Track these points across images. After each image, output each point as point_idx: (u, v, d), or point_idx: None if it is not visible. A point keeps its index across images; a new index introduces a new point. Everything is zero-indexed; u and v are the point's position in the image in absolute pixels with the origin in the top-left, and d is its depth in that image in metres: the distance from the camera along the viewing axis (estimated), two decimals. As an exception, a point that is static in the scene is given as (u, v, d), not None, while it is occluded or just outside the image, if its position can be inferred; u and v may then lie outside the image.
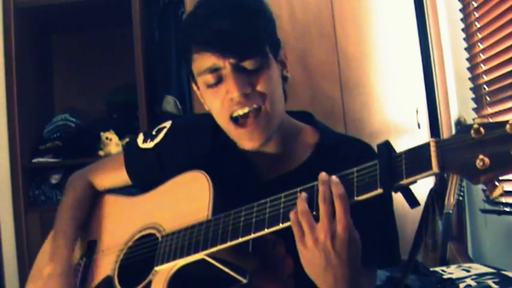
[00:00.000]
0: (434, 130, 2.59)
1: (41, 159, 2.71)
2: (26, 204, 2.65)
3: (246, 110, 0.96)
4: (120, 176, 1.20)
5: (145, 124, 2.59)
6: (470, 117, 2.49)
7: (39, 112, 2.87)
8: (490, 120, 2.33)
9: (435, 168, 0.72)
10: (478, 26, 2.41)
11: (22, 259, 2.57)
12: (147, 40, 2.68)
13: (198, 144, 1.09)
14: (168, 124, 1.18)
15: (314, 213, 0.82)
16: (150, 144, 1.15)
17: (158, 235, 1.01)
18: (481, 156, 0.69)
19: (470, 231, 2.56)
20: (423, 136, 2.52)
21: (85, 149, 2.66)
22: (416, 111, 2.53)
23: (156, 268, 0.97)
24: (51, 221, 1.27)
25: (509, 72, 2.17)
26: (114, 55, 2.93)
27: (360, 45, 2.55)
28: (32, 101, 2.79)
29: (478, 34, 2.42)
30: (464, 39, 2.53)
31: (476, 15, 2.41)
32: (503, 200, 2.22)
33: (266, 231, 0.86)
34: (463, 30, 2.53)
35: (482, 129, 0.70)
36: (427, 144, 0.75)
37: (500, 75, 2.24)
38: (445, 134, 2.59)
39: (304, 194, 0.84)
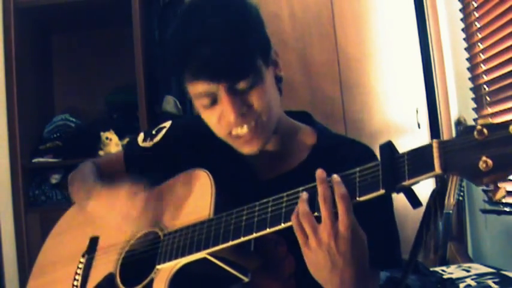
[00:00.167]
0: (434, 130, 2.59)
1: (41, 159, 2.71)
2: (26, 204, 2.65)
3: (245, 129, 0.96)
4: (119, 170, 1.21)
5: (145, 124, 2.59)
6: (470, 117, 2.49)
7: (39, 112, 2.86)
8: (491, 120, 2.33)
9: (438, 169, 0.72)
10: (478, 26, 2.41)
11: (22, 259, 2.57)
12: (147, 40, 2.68)
13: (197, 144, 1.09)
14: (167, 124, 1.19)
15: (316, 214, 0.82)
16: (149, 144, 1.16)
17: (160, 233, 1.01)
18: (484, 158, 0.68)
19: (470, 231, 2.56)
20: (423, 136, 2.53)
21: (85, 149, 2.66)
22: (416, 111, 2.53)
23: (158, 266, 0.97)
24: (51, 221, 1.27)
25: (509, 72, 2.17)
26: (114, 55, 2.92)
27: (360, 45, 2.55)
28: (32, 101, 2.79)
29: (478, 34, 2.42)
30: (464, 39, 2.53)
31: (476, 15, 2.41)
32: (503, 200, 2.22)
33: (268, 230, 0.85)
34: (463, 30, 2.53)
35: (485, 131, 0.70)
36: (430, 145, 0.74)
37: (500, 75, 2.24)
38: (445, 134, 2.59)
39: (305, 195, 0.83)
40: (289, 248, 0.85)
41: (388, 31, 2.56)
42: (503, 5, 2.18)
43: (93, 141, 2.69)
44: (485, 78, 2.37)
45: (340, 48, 2.54)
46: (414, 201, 0.78)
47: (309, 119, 1.12)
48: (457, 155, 0.72)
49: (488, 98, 2.36)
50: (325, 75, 2.54)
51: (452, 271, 1.98)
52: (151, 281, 0.96)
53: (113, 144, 2.64)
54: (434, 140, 0.75)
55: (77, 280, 1.10)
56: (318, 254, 0.81)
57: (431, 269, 2.03)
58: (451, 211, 2.22)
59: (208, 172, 0.99)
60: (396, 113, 2.54)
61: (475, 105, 2.45)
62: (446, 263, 2.20)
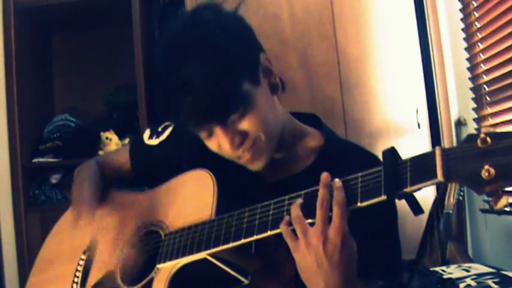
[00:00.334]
0: (434, 130, 2.58)
1: (41, 159, 2.71)
2: (26, 204, 2.65)
3: (246, 153, 0.96)
4: (124, 167, 1.22)
5: (145, 124, 2.59)
6: (470, 117, 2.49)
7: (39, 112, 2.87)
8: (491, 120, 2.33)
9: (440, 177, 0.72)
10: (478, 26, 2.40)
11: (22, 259, 2.57)
12: (147, 40, 2.68)
13: (202, 144, 1.10)
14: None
15: (309, 221, 0.82)
16: (155, 141, 1.16)
17: (161, 233, 1.01)
18: (486, 167, 0.68)
19: (470, 231, 2.56)
20: (423, 136, 2.52)
21: (85, 149, 2.66)
22: (416, 111, 2.53)
23: (158, 266, 0.97)
24: (51, 221, 1.28)
25: (509, 72, 2.16)
26: (114, 55, 2.93)
27: (360, 45, 2.55)
28: (32, 101, 2.80)
29: (478, 34, 2.41)
30: (464, 39, 2.53)
31: (476, 15, 2.41)
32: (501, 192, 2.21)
33: (269, 233, 0.86)
34: (463, 30, 2.53)
35: (488, 139, 0.69)
36: (433, 153, 0.74)
37: (500, 75, 2.24)
38: (445, 134, 2.59)
39: (299, 201, 0.84)
40: (289, 252, 0.85)
41: (388, 31, 2.56)
42: (503, 5, 2.18)
43: (93, 141, 2.69)
44: (485, 78, 2.37)
45: (340, 48, 2.54)
46: (416, 208, 0.78)
47: (317, 122, 1.11)
48: (459, 163, 0.71)
49: (488, 98, 2.36)
50: (325, 75, 2.54)
51: (452, 271, 1.98)
52: (151, 280, 0.96)
53: (113, 144, 2.64)
54: (437, 148, 0.74)
55: (77, 277, 1.10)
56: (306, 256, 0.81)
57: (431, 269, 2.03)
58: (451, 211, 2.22)
59: (210, 173, 0.99)
60: (396, 113, 2.54)
61: (475, 105, 2.45)
62: (446, 263, 2.20)
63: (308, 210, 0.83)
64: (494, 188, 0.69)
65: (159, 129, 1.18)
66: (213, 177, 0.98)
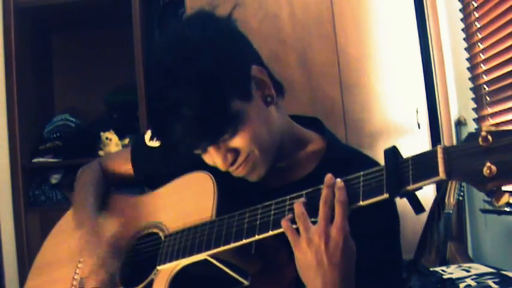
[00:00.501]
0: (434, 130, 2.58)
1: (41, 159, 2.71)
2: (26, 204, 2.65)
3: (240, 169, 0.96)
4: (126, 168, 1.22)
5: (145, 124, 2.59)
6: (470, 117, 2.49)
7: (39, 112, 2.87)
8: (491, 120, 2.33)
9: (442, 174, 0.72)
10: (478, 26, 2.40)
11: (22, 259, 2.57)
12: (147, 40, 2.68)
13: None
14: None
15: (312, 219, 0.82)
16: (156, 143, 1.16)
17: (161, 234, 1.01)
18: (488, 164, 0.69)
19: (470, 231, 2.56)
20: (423, 136, 2.52)
21: (85, 149, 2.66)
22: (416, 111, 2.52)
23: (158, 267, 0.97)
24: (51, 221, 1.27)
25: (509, 72, 2.16)
26: (114, 55, 2.93)
27: (360, 45, 2.55)
28: (32, 101, 2.80)
29: (478, 34, 2.41)
30: (464, 39, 2.53)
31: (476, 15, 2.41)
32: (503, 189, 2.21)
33: (271, 232, 0.86)
34: (463, 30, 2.53)
35: (490, 137, 0.70)
36: (434, 151, 0.75)
37: (500, 75, 2.24)
38: (445, 134, 2.59)
39: (302, 199, 0.84)
40: (290, 255, 0.85)
41: (388, 31, 2.56)
42: (503, 5, 2.18)
43: (93, 141, 2.69)
44: (485, 78, 2.37)
45: (340, 48, 2.54)
46: (417, 206, 0.79)
47: (318, 126, 1.11)
48: (461, 161, 0.72)
49: (488, 98, 2.36)
50: (325, 75, 2.54)
51: (452, 271, 1.98)
52: (151, 281, 0.96)
53: (112, 144, 2.64)
54: (439, 146, 0.75)
55: (76, 280, 1.10)
56: (307, 253, 0.81)
57: (431, 269, 2.03)
58: (451, 211, 2.22)
59: (210, 174, 0.99)
60: (396, 113, 2.54)
61: (475, 105, 2.45)
62: (446, 263, 2.20)
63: (310, 210, 0.83)
64: (496, 185, 0.70)
65: None
66: (213, 179, 0.98)
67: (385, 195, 0.78)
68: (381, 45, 2.55)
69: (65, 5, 2.70)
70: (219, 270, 0.91)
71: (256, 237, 0.87)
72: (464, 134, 2.56)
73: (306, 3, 2.56)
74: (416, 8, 2.58)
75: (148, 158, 1.18)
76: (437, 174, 0.73)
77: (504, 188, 0.71)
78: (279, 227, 0.85)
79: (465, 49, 2.52)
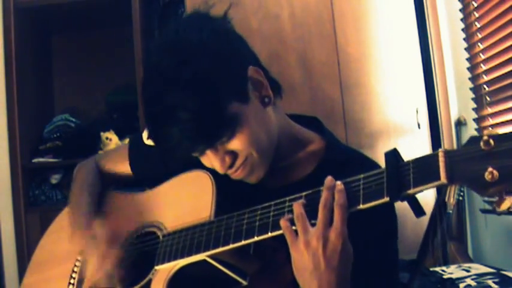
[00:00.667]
0: (434, 130, 2.58)
1: (41, 159, 2.71)
2: (26, 204, 2.66)
3: (238, 171, 0.95)
4: (123, 167, 1.22)
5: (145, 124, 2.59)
6: (470, 117, 2.49)
7: (39, 112, 2.87)
8: (491, 120, 2.33)
9: (443, 178, 0.72)
10: (478, 26, 2.40)
11: (22, 259, 2.57)
12: (147, 40, 2.68)
13: None
14: None
15: (312, 221, 0.82)
16: None
17: (159, 233, 1.01)
18: (490, 169, 0.68)
19: (470, 231, 2.56)
20: (423, 136, 2.52)
21: (85, 149, 2.65)
22: (416, 111, 2.52)
23: (157, 267, 0.97)
24: (51, 221, 1.27)
25: (509, 72, 2.16)
26: (114, 55, 2.93)
27: (360, 45, 2.55)
28: (32, 101, 2.80)
29: (478, 34, 2.41)
30: (464, 39, 2.53)
31: (476, 15, 2.41)
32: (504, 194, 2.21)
33: (270, 234, 0.85)
34: (463, 30, 2.53)
35: (491, 141, 0.69)
36: (436, 154, 0.74)
37: (500, 75, 2.24)
38: (445, 134, 2.59)
39: (302, 200, 0.84)
40: (288, 255, 0.85)
41: (388, 31, 2.55)
42: (503, 5, 2.18)
43: (93, 141, 2.69)
44: (485, 78, 2.37)
45: (340, 48, 2.54)
46: (418, 210, 0.78)
47: (318, 126, 1.10)
48: (462, 165, 0.71)
49: (488, 98, 2.36)
50: (325, 75, 2.53)
51: (452, 271, 1.98)
52: (149, 281, 0.96)
53: (113, 144, 2.64)
54: (440, 149, 0.74)
55: (74, 278, 1.10)
56: (304, 256, 0.81)
57: (431, 269, 2.03)
58: (451, 211, 2.22)
59: (209, 173, 0.98)
60: (396, 113, 2.54)
61: (475, 105, 2.45)
62: (446, 263, 2.20)
63: (309, 211, 0.83)
64: (498, 190, 0.69)
65: None
66: (212, 177, 0.98)
67: (386, 199, 0.77)
68: (380, 45, 2.55)
69: (65, 5, 2.70)
70: (218, 271, 0.90)
71: (255, 238, 0.86)
72: (464, 134, 2.56)
73: (306, 3, 2.56)
74: (416, 8, 2.58)
75: (146, 156, 1.17)
76: (439, 178, 0.72)
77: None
78: (278, 228, 0.84)
79: (465, 49, 2.52)
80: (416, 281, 1.88)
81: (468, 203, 2.54)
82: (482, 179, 0.69)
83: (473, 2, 2.43)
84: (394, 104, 2.54)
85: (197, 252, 0.91)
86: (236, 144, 0.92)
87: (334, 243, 0.80)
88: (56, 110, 3.01)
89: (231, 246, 0.88)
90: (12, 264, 2.59)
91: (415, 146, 2.49)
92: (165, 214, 1.03)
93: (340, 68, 2.54)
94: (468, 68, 2.50)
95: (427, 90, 2.57)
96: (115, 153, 1.35)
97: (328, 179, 0.83)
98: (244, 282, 0.91)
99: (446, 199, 2.18)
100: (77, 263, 1.12)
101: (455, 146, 2.57)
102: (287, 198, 0.87)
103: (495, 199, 0.73)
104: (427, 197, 2.38)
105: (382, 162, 0.82)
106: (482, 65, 2.39)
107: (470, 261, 2.26)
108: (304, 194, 0.86)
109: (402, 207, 0.88)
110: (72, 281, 1.10)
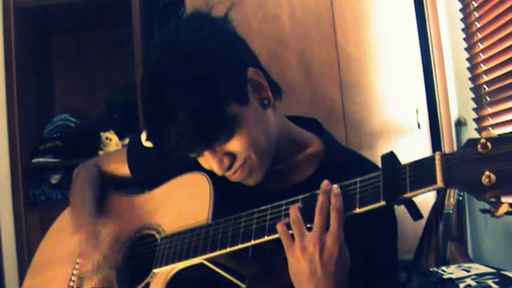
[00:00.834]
0: (434, 130, 2.58)
1: (41, 159, 2.71)
2: (26, 204, 2.66)
3: (237, 173, 0.95)
4: (122, 168, 1.22)
5: (145, 124, 2.59)
6: (470, 117, 2.49)
7: (39, 112, 2.87)
8: (491, 120, 2.33)
9: (440, 182, 0.71)
10: (478, 26, 2.40)
11: (22, 259, 2.57)
12: (147, 40, 2.68)
13: None
14: None
15: (308, 225, 0.81)
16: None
17: (157, 236, 1.01)
18: (487, 173, 0.67)
19: (470, 231, 2.56)
20: (423, 136, 2.52)
21: (85, 149, 2.66)
22: (416, 111, 2.52)
23: (155, 270, 0.96)
24: (51, 221, 1.27)
25: (509, 72, 2.16)
26: (114, 55, 2.93)
27: (360, 45, 2.55)
28: (32, 101, 2.80)
29: (478, 34, 2.41)
30: (464, 39, 2.53)
31: (476, 15, 2.41)
32: (504, 200, 2.22)
33: (266, 238, 0.85)
34: (463, 30, 2.53)
35: (489, 144, 0.69)
36: (432, 158, 0.73)
37: (500, 75, 2.24)
38: (445, 134, 2.59)
39: (298, 204, 0.83)
40: (287, 259, 0.84)
41: (388, 31, 2.55)
42: (503, 5, 2.17)
43: (93, 141, 2.69)
44: (485, 78, 2.37)
45: (340, 48, 2.54)
46: (415, 213, 0.78)
47: (317, 128, 1.09)
48: (459, 169, 0.70)
49: (488, 98, 2.36)
50: (325, 75, 2.53)
51: (452, 271, 1.98)
52: (148, 284, 0.96)
53: (112, 144, 2.64)
54: (437, 153, 0.74)
55: (73, 281, 1.10)
56: (301, 261, 0.81)
57: (431, 269, 2.03)
58: (451, 211, 2.22)
59: (207, 176, 0.98)
60: (396, 113, 2.54)
61: (475, 105, 2.45)
62: (446, 263, 2.20)
63: (306, 215, 0.82)
64: (495, 194, 0.68)
65: None
66: (210, 180, 0.97)
67: (382, 203, 0.77)
68: (381, 45, 2.55)
69: (65, 5, 2.70)
70: (216, 274, 0.90)
71: (252, 242, 0.86)
72: (464, 134, 2.56)
73: (306, 3, 2.56)
74: (416, 8, 2.58)
75: (145, 158, 1.17)
76: (435, 182, 0.71)
77: (503, 198, 0.70)
78: (275, 232, 0.84)
79: (465, 49, 2.51)
80: (414, 280, 1.88)
81: (468, 203, 2.54)
82: (480, 183, 0.68)
83: (473, 2, 2.43)
84: (394, 104, 2.54)
85: (195, 255, 0.91)
86: (235, 145, 0.91)
87: (331, 249, 0.79)
88: (56, 110, 3.01)
89: (228, 249, 0.88)
90: (12, 264, 2.59)
91: (415, 146, 2.48)
92: (163, 216, 1.03)
93: (340, 68, 2.54)
94: (468, 68, 2.49)
95: (427, 90, 2.57)
96: (114, 155, 1.35)
97: (324, 183, 0.83)
98: (243, 285, 0.91)
99: (446, 199, 2.17)
100: (77, 266, 1.11)
101: (455, 146, 2.57)
102: (284, 202, 0.87)
103: (491, 206, 0.72)
104: (427, 197, 2.38)
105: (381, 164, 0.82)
106: (482, 65, 2.39)
107: (470, 261, 2.26)
108: (301, 197, 0.86)
109: (402, 207, 0.88)
110: (71, 283, 1.10)
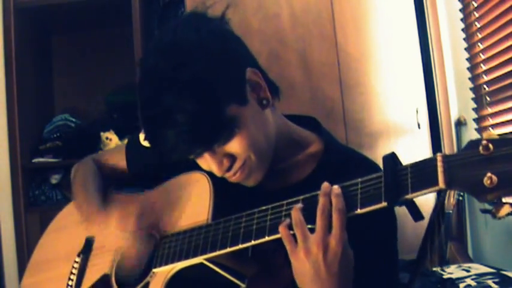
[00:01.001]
0: (434, 130, 2.58)
1: (41, 159, 2.71)
2: (26, 204, 2.65)
3: (237, 174, 0.94)
4: (120, 167, 1.22)
5: (145, 124, 2.58)
6: (470, 117, 2.49)
7: (39, 112, 2.87)
8: (491, 120, 2.33)
9: (441, 184, 0.71)
10: (478, 26, 2.40)
11: (22, 259, 2.57)
12: (147, 40, 2.68)
13: None
14: None
15: (309, 226, 0.81)
16: None
17: (157, 236, 1.01)
18: (488, 174, 0.67)
19: (470, 231, 2.56)
20: (423, 136, 2.52)
21: (85, 149, 2.64)
22: (416, 111, 2.52)
23: (154, 270, 0.96)
24: (51, 221, 1.27)
25: (509, 72, 2.16)
26: (114, 55, 2.92)
27: (360, 45, 2.55)
28: (32, 101, 2.79)
29: (478, 34, 2.41)
30: (464, 39, 2.53)
31: (476, 15, 2.41)
32: (504, 200, 2.22)
33: (267, 238, 0.85)
34: (463, 30, 2.53)
35: (491, 146, 0.68)
36: (434, 159, 0.73)
37: (500, 75, 2.24)
38: (445, 134, 2.59)
39: (299, 205, 0.83)
40: (286, 256, 0.84)
41: (388, 31, 2.55)
42: (503, 5, 2.17)
43: (93, 141, 2.69)
44: (485, 78, 2.37)
45: (340, 48, 2.54)
46: (416, 214, 0.78)
47: (316, 126, 1.09)
48: (461, 170, 0.70)
49: (488, 98, 2.36)
50: (325, 75, 2.53)
51: (452, 271, 1.98)
52: (147, 284, 0.96)
53: (112, 144, 2.64)
54: (439, 154, 0.73)
55: (72, 280, 1.10)
56: (304, 263, 0.80)
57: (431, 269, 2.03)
58: (451, 211, 2.22)
59: (207, 175, 0.98)
60: (396, 113, 2.54)
61: (475, 105, 2.45)
62: (446, 263, 2.20)
63: (307, 216, 0.82)
64: (497, 196, 0.68)
65: None
66: (209, 179, 0.97)
67: (383, 204, 0.77)
68: (381, 45, 2.55)
69: (65, 5, 2.70)
70: (216, 273, 0.90)
71: (253, 242, 0.86)
72: (464, 134, 2.56)
73: (306, 3, 2.56)
74: (416, 8, 2.58)
75: (144, 157, 1.16)
76: (437, 183, 0.71)
77: (504, 200, 0.70)
78: (275, 232, 0.84)
79: (465, 49, 2.52)
80: (416, 283, 1.88)
81: (468, 203, 2.54)
82: (481, 185, 0.68)
83: (473, 2, 2.43)
84: (394, 104, 2.54)
85: (194, 255, 0.91)
86: (234, 147, 0.91)
87: (335, 250, 0.79)
88: (56, 110, 3.01)
89: (228, 249, 0.88)
90: (12, 264, 2.59)
91: (415, 146, 2.48)
92: (163, 216, 1.03)
93: (340, 68, 2.54)
94: (468, 68, 2.50)
95: (427, 90, 2.57)
96: (113, 151, 1.34)
97: (325, 185, 0.82)
98: (243, 285, 0.91)
99: (446, 199, 2.18)
100: (75, 265, 1.11)
101: (455, 146, 2.57)
102: (284, 202, 0.86)
103: (492, 207, 0.72)
104: (428, 198, 2.38)
105: (381, 163, 0.81)
106: (482, 65, 2.39)
107: (470, 261, 2.26)
108: (301, 197, 0.85)
109: (403, 207, 0.88)
110: (70, 282, 1.09)
